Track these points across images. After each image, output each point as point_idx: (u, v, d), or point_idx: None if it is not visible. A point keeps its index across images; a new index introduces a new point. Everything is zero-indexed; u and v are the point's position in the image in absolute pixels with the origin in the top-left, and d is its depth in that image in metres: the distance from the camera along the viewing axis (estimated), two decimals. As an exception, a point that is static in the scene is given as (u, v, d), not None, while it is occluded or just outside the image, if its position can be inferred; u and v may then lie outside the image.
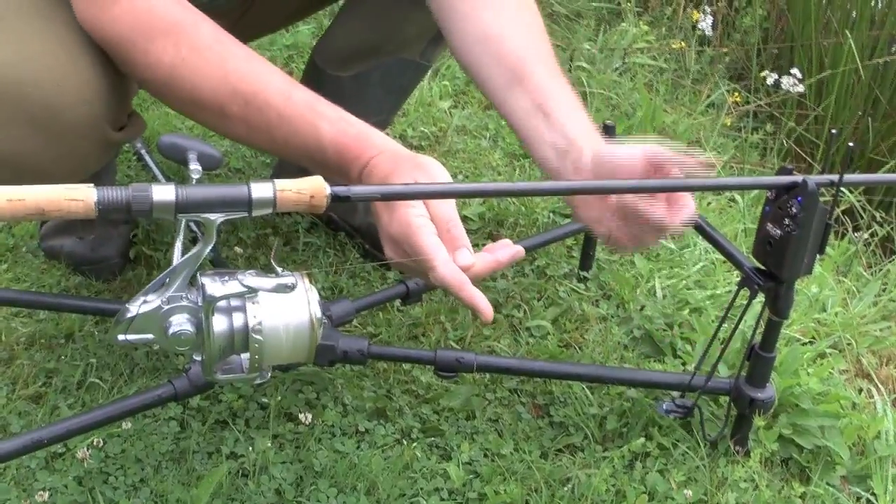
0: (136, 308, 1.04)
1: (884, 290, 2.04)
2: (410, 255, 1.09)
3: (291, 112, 1.15)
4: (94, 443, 1.38)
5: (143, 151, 1.89)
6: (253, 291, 1.03)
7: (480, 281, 1.76)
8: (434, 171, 1.13)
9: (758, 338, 1.39)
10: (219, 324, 1.04)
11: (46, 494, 1.30)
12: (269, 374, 1.12)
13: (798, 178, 1.23)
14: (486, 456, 1.46)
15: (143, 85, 1.23)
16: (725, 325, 1.47)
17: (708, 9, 3.11)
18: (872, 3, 2.92)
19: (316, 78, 1.71)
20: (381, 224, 1.13)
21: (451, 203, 1.12)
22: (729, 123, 2.81)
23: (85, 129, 1.19)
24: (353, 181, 1.16)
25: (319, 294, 1.09)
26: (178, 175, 1.89)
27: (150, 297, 1.04)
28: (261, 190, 0.99)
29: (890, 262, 2.24)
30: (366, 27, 1.65)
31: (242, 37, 1.23)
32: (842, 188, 1.25)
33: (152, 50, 1.14)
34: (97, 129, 1.20)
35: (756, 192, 2.27)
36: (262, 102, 1.15)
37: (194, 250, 1.03)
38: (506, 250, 1.13)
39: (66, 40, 1.17)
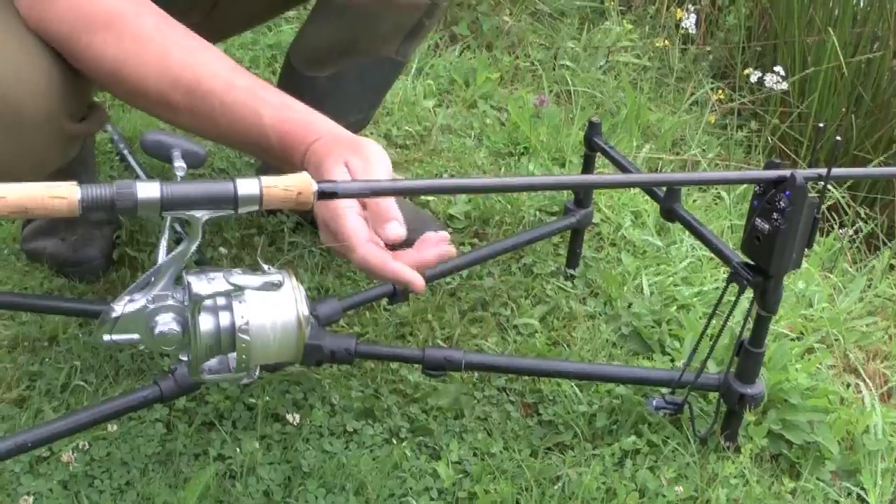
0: (121, 307, 1.02)
1: (869, 286, 2.04)
2: (337, 238, 1.07)
3: (233, 99, 1.13)
4: (80, 446, 1.36)
5: (125, 151, 1.87)
6: (240, 290, 1.01)
7: (466, 279, 1.77)
8: (370, 152, 1.09)
9: (746, 333, 1.39)
10: (205, 323, 1.02)
11: (31, 499, 1.29)
12: (257, 374, 1.11)
13: (786, 172, 1.23)
14: (475, 455, 1.45)
15: (92, 79, 1.21)
16: (714, 321, 1.47)
17: (691, 7, 3.11)
18: (854, 1, 2.92)
19: (292, 79, 1.69)
20: (315, 209, 1.09)
21: (384, 176, 1.08)
22: (713, 121, 2.81)
23: (42, 121, 1.16)
24: (296, 168, 1.14)
25: (306, 293, 1.08)
26: (161, 176, 1.88)
27: (135, 297, 1.03)
28: (247, 186, 0.98)
29: (875, 257, 2.24)
30: (339, 26, 1.64)
31: (210, 36, 1.21)
32: (828, 183, 1.25)
33: (94, 43, 1.13)
34: (55, 121, 1.18)
35: (742, 189, 2.28)
36: (205, 90, 1.13)
37: (180, 248, 1.02)
38: (433, 249, 1.08)
39: (17, 31, 1.15)
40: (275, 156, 1.15)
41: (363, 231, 1.05)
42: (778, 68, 2.84)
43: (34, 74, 1.14)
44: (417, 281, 1.06)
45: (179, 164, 1.07)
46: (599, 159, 1.73)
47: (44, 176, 1.25)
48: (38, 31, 1.15)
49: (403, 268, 1.05)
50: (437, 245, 1.09)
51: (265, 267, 1.02)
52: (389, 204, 1.07)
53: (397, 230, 1.05)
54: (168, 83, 1.13)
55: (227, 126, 1.15)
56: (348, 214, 1.06)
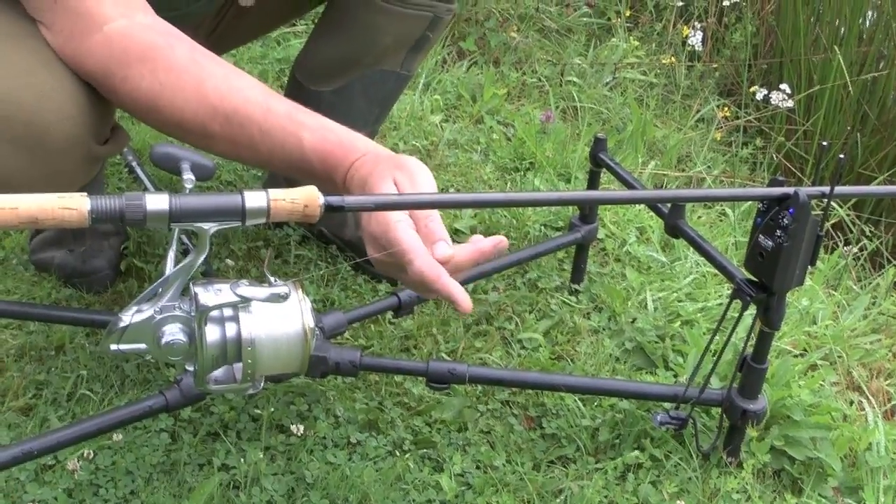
0: (128, 318, 1.03)
1: (873, 304, 2.05)
2: (391, 251, 1.09)
3: (272, 125, 1.15)
4: (85, 455, 1.37)
5: (134, 163, 1.89)
6: (246, 301, 1.02)
7: (472, 293, 1.78)
8: (414, 171, 1.12)
9: (749, 349, 1.40)
10: (211, 333, 1.03)
11: (36, 506, 1.30)
12: (262, 385, 1.12)
13: (790, 189, 1.24)
14: (478, 468, 1.46)
15: (128, 112, 1.23)
16: (717, 337, 1.47)
17: (698, 24, 3.13)
18: (861, 20, 2.94)
19: (298, 94, 1.70)
20: (362, 224, 1.13)
21: (428, 183, 1.11)
22: (719, 138, 2.82)
23: (69, 146, 1.18)
24: (338, 187, 1.16)
25: (312, 305, 1.09)
26: (169, 187, 1.89)
27: (142, 307, 1.04)
28: (254, 199, 0.99)
29: (879, 275, 2.25)
30: (343, 41, 1.65)
31: (216, 48, 1.22)
32: (832, 201, 1.26)
33: (130, 77, 1.14)
34: (82, 145, 1.20)
35: (746, 206, 2.28)
36: (243, 118, 1.15)
37: (187, 260, 1.03)
38: (488, 240, 1.12)
39: (45, 57, 1.16)
40: (317, 177, 1.16)
41: (420, 244, 1.07)
42: (784, 86, 2.85)
43: (61, 100, 1.16)
44: (464, 301, 1.07)
45: (188, 176, 1.08)
46: (605, 175, 1.74)
47: None
48: (73, 66, 1.16)
49: (455, 285, 1.07)
50: (488, 239, 1.12)
51: (272, 279, 1.03)
52: (437, 224, 1.09)
53: (445, 250, 1.07)
54: (205, 113, 1.15)
55: (267, 152, 1.17)
56: (402, 228, 1.08)
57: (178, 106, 1.15)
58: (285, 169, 1.20)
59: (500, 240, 1.12)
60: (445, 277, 1.06)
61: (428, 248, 1.07)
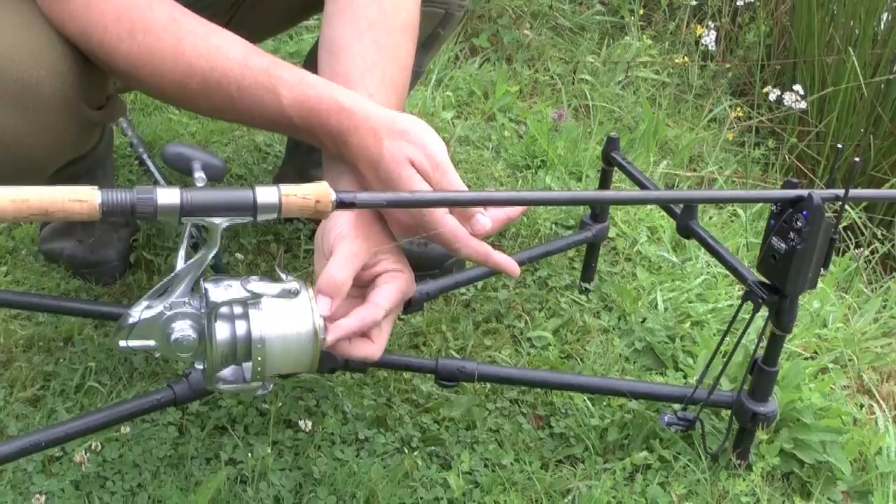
0: (138, 314, 1.03)
1: (884, 307, 2.03)
2: (437, 236, 1.13)
3: (250, 82, 1.14)
4: (92, 447, 1.37)
5: (144, 155, 1.89)
6: (257, 297, 1.02)
7: (482, 290, 1.77)
8: (424, 141, 1.13)
9: (760, 352, 1.39)
10: (221, 331, 1.03)
11: (43, 498, 1.29)
12: (272, 386, 1.11)
13: (804, 192, 1.23)
14: (486, 466, 1.45)
15: (114, 75, 1.23)
16: (728, 339, 1.46)
17: (711, 24, 3.11)
18: (875, 22, 2.92)
19: None
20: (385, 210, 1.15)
21: (441, 148, 1.14)
22: (731, 138, 2.81)
23: (60, 103, 1.17)
24: (328, 149, 1.17)
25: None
26: (179, 180, 1.89)
27: (152, 303, 1.04)
28: (266, 194, 0.99)
29: (890, 278, 2.24)
30: None
31: None
32: (845, 204, 1.25)
33: (107, 39, 1.14)
34: (72, 104, 1.19)
35: (758, 207, 2.27)
36: (220, 76, 1.14)
37: (198, 255, 1.02)
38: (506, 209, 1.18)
39: (38, 19, 1.16)
40: (300, 133, 1.16)
41: (461, 229, 1.13)
42: (797, 87, 2.84)
43: (53, 58, 1.15)
44: (515, 268, 1.18)
45: (199, 174, 1.07)
46: (616, 174, 1.73)
47: (61, 161, 1.26)
48: (58, 29, 1.17)
49: (503, 256, 1.16)
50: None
51: (283, 275, 1.03)
52: (452, 176, 1.13)
53: (485, 221, 1.14)
54: (182, 72, 1.14)
55: (247, 110, 1.16)
56: (444, 215, 1.12)
57: (156, 64, 1.14)
58: (266, 126, 1.20)
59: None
60: (494, 255, 1.14)
61: (466, 223, 1.12)
